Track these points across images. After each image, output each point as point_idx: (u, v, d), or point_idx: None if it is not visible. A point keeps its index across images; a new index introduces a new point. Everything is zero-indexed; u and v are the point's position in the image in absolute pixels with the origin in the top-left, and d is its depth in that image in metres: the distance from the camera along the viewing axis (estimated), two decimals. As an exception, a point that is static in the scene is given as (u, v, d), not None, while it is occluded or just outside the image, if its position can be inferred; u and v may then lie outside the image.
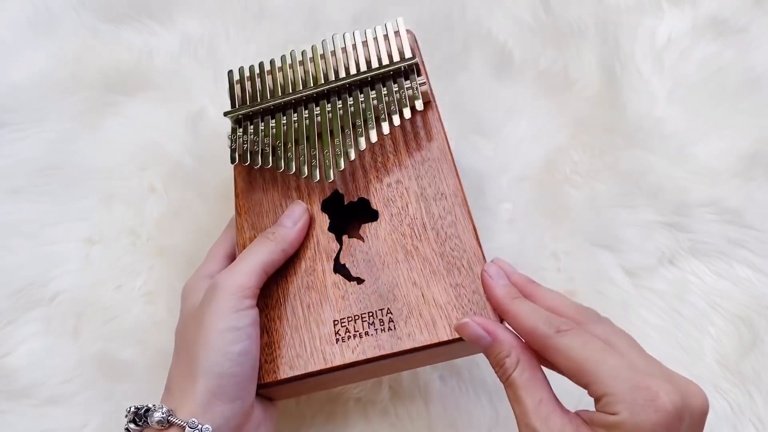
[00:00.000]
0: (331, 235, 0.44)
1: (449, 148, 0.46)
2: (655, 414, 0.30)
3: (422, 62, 0.51)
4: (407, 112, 0.46)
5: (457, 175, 0.45)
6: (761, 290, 0.54)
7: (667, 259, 0.56)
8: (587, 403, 0.34)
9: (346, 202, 0.46)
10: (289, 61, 0.50)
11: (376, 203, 0.45)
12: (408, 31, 0.50)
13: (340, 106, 0.47)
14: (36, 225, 0.56)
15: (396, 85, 0.47)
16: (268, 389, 0.41)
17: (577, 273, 0.55)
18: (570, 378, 0.35)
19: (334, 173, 0.45)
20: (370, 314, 0.41)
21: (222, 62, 0.63)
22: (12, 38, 0.64)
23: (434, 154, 0.46)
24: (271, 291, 0.43)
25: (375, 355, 0.40)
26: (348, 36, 0.50)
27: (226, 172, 0.56)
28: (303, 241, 0.44)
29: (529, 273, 0.54)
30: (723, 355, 0.52)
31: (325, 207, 0.46)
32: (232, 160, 0.47)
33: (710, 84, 0.63)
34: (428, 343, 0.40)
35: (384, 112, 0.46)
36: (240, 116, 0.49)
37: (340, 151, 0.45)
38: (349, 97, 0.47)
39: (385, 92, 0.47)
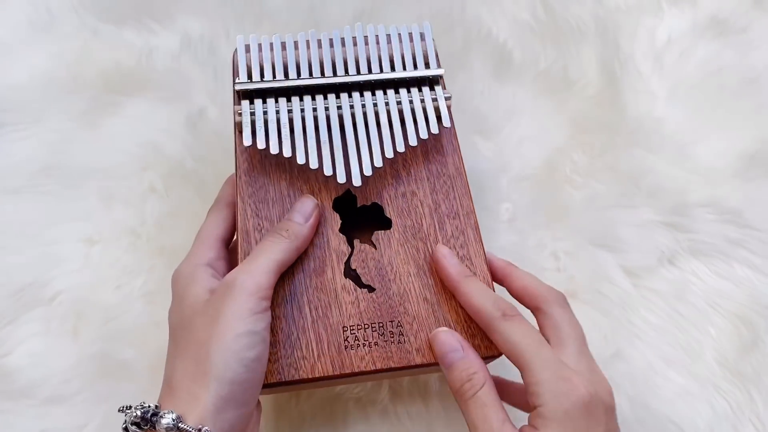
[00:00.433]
0: (343, 237, 0.43)
1: (463, 166, 0.46)
2: (571, 401, 0.35)
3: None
4: (434, 127, 0.45)
5: (470, 195, 0.45)
6: (761, 290, 0.54)
7: (667, 259, 0.56)
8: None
9: (358, 205, 0.45)
10: (306, 41, 0.47)
11: (390, 211, 0.44)
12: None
13: (363, 103, 0.45)
14: (36, 225, 0.56)
15: (421, 94, 0.46)
16: (269, 388, 0.40)
17: (577, 273, 0.55)
18: (508, 358, 0.38)
19: (362, 179, 0.43)
20: (381, 325, 0.41)
21: (222, 62, 0.63)
22: (12, 38, 0.64)
23: (450, 171, 0.45)
24: (276, 287, 0.41)
25: (384, 367, 0.40)
26: (371, 28, 0.48)
27: (226, 172, 0.56)
28: (312, 239, 0.43)
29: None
30: (723, 355, 0.52)
31: (336, 206, 0.44)
32: (245, 140, 0.43)
33: (710, 84, 0.63)
34: (437, 360, 0.40)
35: (410, 121, 0.45)
36: (252, 91, 0.45)
37: (368, 154, 0.44)
38: (373, 95, 0.46)
39: (410, 99, 0.46)
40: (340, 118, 0.45)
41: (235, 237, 0.45)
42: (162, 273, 0.54)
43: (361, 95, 0.46)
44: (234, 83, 0.46)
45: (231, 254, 0.45)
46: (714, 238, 0.56)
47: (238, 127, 0.45)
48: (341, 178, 0.43)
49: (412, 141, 0.45)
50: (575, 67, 0.64)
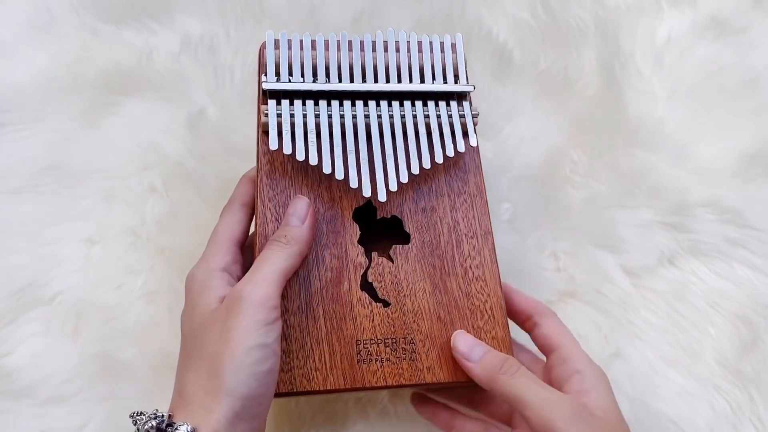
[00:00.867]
0: (361, 249, 0.43)
1: (484, 184, 0.46)
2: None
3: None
4: (461, 145, 0.45)
5: (489, 215, 0.45)
6: (761, 290, 0.54)
7: (667, 259, 0.56)
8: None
9: (378, 217, 0.44)
10: (336, 41, 0.46)
11: (409, 226, 0.44)
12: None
13: (392, 113, 0.45)
14: (36, 225, 0.56)
15: (449, 108, 0.46)
16: (279, 397, 0.39)
17: (577, 273, 0.55)
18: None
19: (387, 194, 0.43)
20: (394, 341, 0.41)
21: (222, 62, 0.63)
22: (12, 38, 0.64)
23: (471, 189, 0.45)
24: (293, 294, 0.41)
25: (395, 384, 0.40)
26: (402, 35, 0.47)
27: (226, 172, 0.56)
28: (331, 248, 0.42)
29: (529, 273, 0.55)
30: (723, 355, 0.52)
31: (356, 216, 0.44)
32: (271, 143, 0.42)
33: (710, 84, 0.63)
34: (447, 381, 0.40)
35: (437, 136, 0.45)
36: (280, 92, 0.43)
37: (393, 168, 0.43)
38: (401, 106, 0.45)
39: (438, 113, 0.45)
40: (368, 127, 0.44)
41: (250, 235, 0.45)
42: (162, 273, 0.54)
43: (389, 105, 0.45)
44: (260, 81, 0.45)
45: (245, 253, 0.44)
46: (714, 238, 0.56)
47: (263, 128, 0.44)
48: (366, 192, 0.42)
49: (438, 158, 0.44)
50: (575, 67, 0.64)
